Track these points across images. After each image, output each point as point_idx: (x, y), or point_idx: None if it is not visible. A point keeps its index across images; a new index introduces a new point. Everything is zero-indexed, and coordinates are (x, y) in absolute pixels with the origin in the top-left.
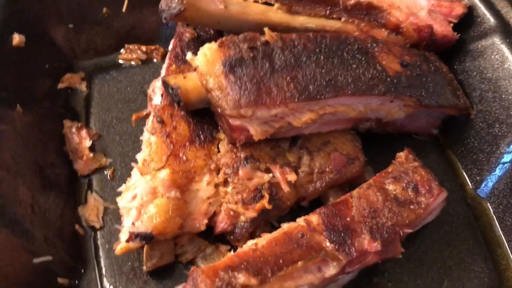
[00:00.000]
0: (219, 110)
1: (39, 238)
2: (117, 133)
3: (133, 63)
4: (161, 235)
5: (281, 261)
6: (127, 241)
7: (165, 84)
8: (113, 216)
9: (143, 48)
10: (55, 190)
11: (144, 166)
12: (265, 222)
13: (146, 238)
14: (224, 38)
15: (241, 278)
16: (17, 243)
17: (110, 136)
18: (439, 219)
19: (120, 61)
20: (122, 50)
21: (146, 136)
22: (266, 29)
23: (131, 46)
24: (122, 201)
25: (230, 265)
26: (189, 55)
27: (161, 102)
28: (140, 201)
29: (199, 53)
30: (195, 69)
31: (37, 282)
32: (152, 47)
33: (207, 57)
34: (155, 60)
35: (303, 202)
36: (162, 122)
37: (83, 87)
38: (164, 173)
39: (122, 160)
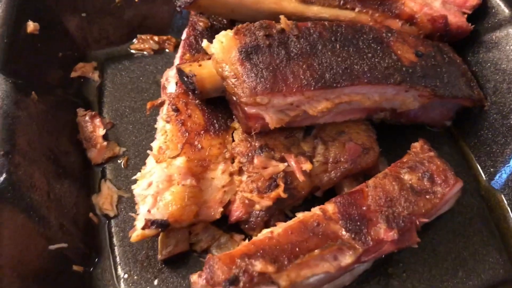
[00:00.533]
0: (235, 98)
1: (54, 225)
2: (130, 123)
3: (145, 53)
4: (177, 223)
5: (297, 249)
6: (143, 228)
7: (180, 72)
8: (127, 204)
9: (155, 38)
10: (69, 178)
11: (159, 154)
12: (280, 211)
13: (162, 226)
14: (240, 25)
15: (258, 265)
16: (34, 229)
17: (123, 126)
18: (453, 210)
19: (132, 51)
20: (134, 40)
21: (161, 124)
22: (282, 17)
23: (143, 36)
24: (137, 189)
25: (247, 253)
26: (205, 43)
27: (175, 91)
28: (156, 188)
29: (214, 40)
30: (209, 58)
31: (52, 268)
32: (164, 37)
33: (223, 44)
34: (167, 50)
35: (317, 192)
36: (177, 110)
37: (95, 76)
38: (180, 161)
39: (135, 149)
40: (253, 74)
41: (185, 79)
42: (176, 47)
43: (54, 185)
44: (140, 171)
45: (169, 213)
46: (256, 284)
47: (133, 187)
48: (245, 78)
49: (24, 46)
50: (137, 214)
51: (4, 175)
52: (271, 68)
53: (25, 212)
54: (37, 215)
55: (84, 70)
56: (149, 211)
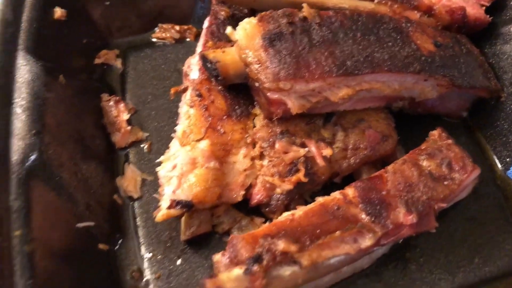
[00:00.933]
0: (257, 84)
1: (82, 204)
2: (152, 109)
3: (166, 42)
4: (201, 204)
5: (318, 231)
6: (168, 208)
7: (204, 58)
8: (150, 187)
9: (177, 27)
10: (95, 160)
11: (183, 138)
12: (299, 196)
13: (187, 206)
14: (263, 13)
15: (281, 244)
16: (62, 206)
17: (146, 111)
18: (469, 198)
19: (154, 40)
20: (156, 29)
21: (184, 109)
22: (305, 5)
23: (164, 26)
24: (162, 171)
25: (269, 233)
26: (228, 29)
27: (198, 77)
28: (180, 170)
29: (238, 27)
30: (232, 45)
31: (79, 246)
32: (185, 27)
33: (247, 31)
34: (188, 39)
35: (336, 178)
36: (200, 95)
37: (118, 63)
38: (204, 144)
39: (158, 135)
40: (276, 60)
41: (209, 65)
42: (196, 37)
43: (81, 166)
44: (162, 156)
45: (193, 194)
46: (278, 263)
47: (157, 169)
48: (268, 64)
49: (51, 31)
50: (161, 196)
51: (35, 154)
52: (293, 55)
53: (55, 190)
54: (66, 194)
55: (107, 57)
56: (174, 192)
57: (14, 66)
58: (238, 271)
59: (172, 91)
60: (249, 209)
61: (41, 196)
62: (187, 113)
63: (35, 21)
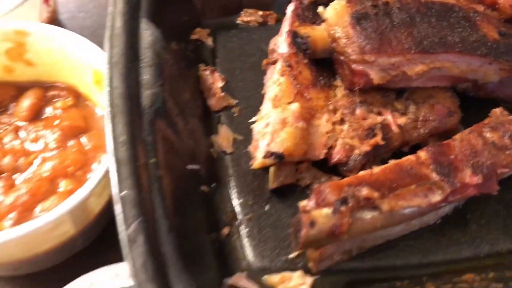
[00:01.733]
0: (342, 58)
1: (190, 150)
2: (240, 81)
3: (250, 25)
4: (290, 157)
5: (394, 184)
6: (263, 158)
7: (295, 34)
8: (240, 144)
9: (260, 12)
10: (196, 118)
11: (275, 101)
12: (372, 160)
13: (279, 157)
14: None
15: (364, 191)
16: (178, 147)
17: (234, 83)
18: None
19: (239, 22)
20: (241, 13)
21: (275, 77)
22: None
23: (249, 10)
24: (257, 127)
25: (352, 183)
26: (320, 8)
27: (287, 51)
28: (273, 128)
29: (328, 7)
30: (318, 24)
31: (186, 185)
32: (268, 13)
33: (337, 10)
34: (269, 23)
35: (405, 147)
36: (290, 66)
37: (209, 41)
38: (295, 106)
39: (245, 102)
40: (362, 36)
41: (299, 40)
42: (277, 22)
43: (188, 119)
44: (250, 120)
45: (285, 148)
46: (361, 207)
47: (253, 125)
48: (355, 39)
49: (165, 6)
50: (255, 149)
51: (160, 101)
52: (377, 32)
53: (174, 133)
54: (180, 138)
55: (200, 34)
56: (268, 144)
57: (139, 29)
58: (327, 210)
59: (264, 62)
60: (327, 168)
61: (164, 135)
62: (278, 81)
63: None
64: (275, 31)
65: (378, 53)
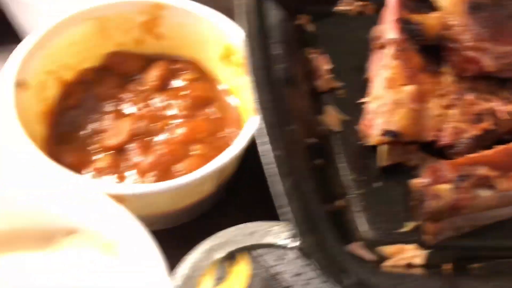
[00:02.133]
0: (455, 45)
1: (308, 125)
2: (343, 65)
3: (348, 14)
4: (404, 136)
5: (508, 165)
6: (380, 135)
7: (406, 21)
8: (347, 124)
9: (359, 2)
10: (306, 97)
11: (390, 82)
12: (479, 144)
13: (394, 135)
14: None
15: (482, 170)
16: (302, 120)
17: (337, 67)
18: None
19: (338, 10)
20: (340, 2)
21: (388, 61)
22: None
23: (348, 0)
24: (373, 106)
25: (467, 163)
26: None
27: (398, 37)
28: (389, 107)
29: None
30: (425, 13)
31: (303, 158)
32: (365, 3)
33: None
34: (366, 13)
35: (508, 135)
36: (403, 50)
37: (311, 27)
38: (409, 88)
39: (349, 85)
40: (477, 24)
41: (412, 26)
42: (375, 11)
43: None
44: (355, 102)
45: (399, 127)
46: (477, 185)
47: (364, 105)
48: (471, 27)
49: None
50: (368, 127)
51: (291, 76)
52: (491, 22)
53: (301, 107)
54: (303, 113)
55: (303, 20)
56: (384, 123)
57: (266, 10)
58: (447, 185)
59: (373, 47)
60: (433, 152)
61: (294, 107)
62: (391, 64)
63: None
64: (373, 20)
65: (491, 41)
